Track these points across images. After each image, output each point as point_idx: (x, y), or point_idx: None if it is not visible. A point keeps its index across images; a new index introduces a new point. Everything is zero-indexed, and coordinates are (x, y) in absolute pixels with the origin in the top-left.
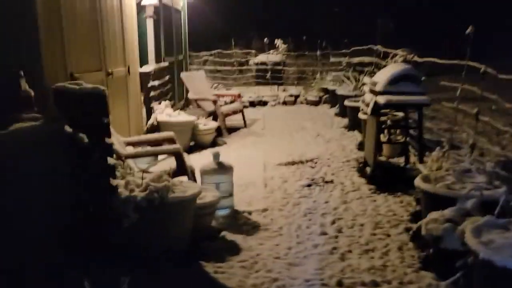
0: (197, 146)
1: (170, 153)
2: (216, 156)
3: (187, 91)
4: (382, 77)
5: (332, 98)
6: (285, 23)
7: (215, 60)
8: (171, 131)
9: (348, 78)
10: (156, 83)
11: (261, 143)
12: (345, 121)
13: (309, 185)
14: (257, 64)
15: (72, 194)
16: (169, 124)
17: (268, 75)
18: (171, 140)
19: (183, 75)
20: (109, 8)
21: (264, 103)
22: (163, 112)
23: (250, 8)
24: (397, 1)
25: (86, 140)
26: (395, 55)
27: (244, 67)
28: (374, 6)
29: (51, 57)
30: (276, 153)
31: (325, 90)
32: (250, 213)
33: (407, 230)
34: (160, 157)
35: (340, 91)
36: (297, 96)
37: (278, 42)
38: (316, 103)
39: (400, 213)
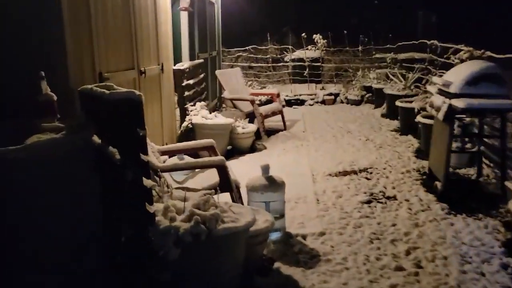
0: (234, 151)
1: (212, 166)
2: (265, 169)
3: (221, 90)
4: (457, 76)
5: (377, 98)
6: (320, 18)
7: (249, 57)
8: (207, 135)
9: (395, 76)
10: (191, 81)
11: (304, 148)
12: (395, 123)
13: (368, 202)
14: (293, 60)
15: (100, 222)
16: (205, 127)
17: (306, 72)
18: (211, 149)
19: (218, 72)
20: (144, 9)
21: (301, 102)
22: (198, 113)
23: (284, 2)
24: None
25: (117, 156)
26: (458, 50)
27: (280, 64)
28: None
29: (77, 55)
30: (323, 161)
31: (368, 89)
32: (304, 237)
33: (504, 267)
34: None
35: (388, 90)
36: (336, 95)
37: (316, 37)
38: (357, 103)
39: (489, 242)
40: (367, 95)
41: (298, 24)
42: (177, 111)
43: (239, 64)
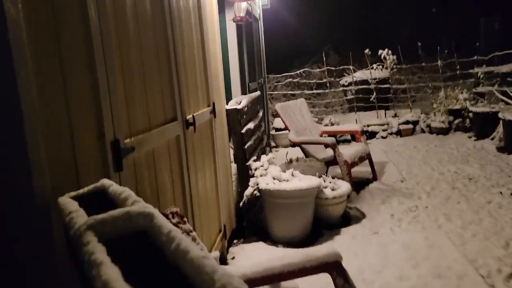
0: (319, 223)
1: None
2: None
3: (269, 125)
4: None
5: (478, 124)
6: (363, 32)
7: (290, 82)
8: (283, 206)
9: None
10: (251, 125)
11: (423, 212)
12: None
13: None
14: (356, 83)
15: None
16: (280, 194)
17: (373, 97)
18: (336, 267)
19: (279, 106)
20: (185, 18)
21: (370, 135)
22: (267, 173)
23: (318, 20)
24: None
25: None
26: None
27: (340, 89)
28: (474, 4)
29: (57, 118)
30: (475, 240)
31: (455, 113)
32: None
33: None
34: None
35: (508, 115)
36: (415, 123)
37: (383, 53)
38: (445, 131)
39: None
40: (456, 121)
41: (339, 42)
42: (235, 170)
43: (278, 92)
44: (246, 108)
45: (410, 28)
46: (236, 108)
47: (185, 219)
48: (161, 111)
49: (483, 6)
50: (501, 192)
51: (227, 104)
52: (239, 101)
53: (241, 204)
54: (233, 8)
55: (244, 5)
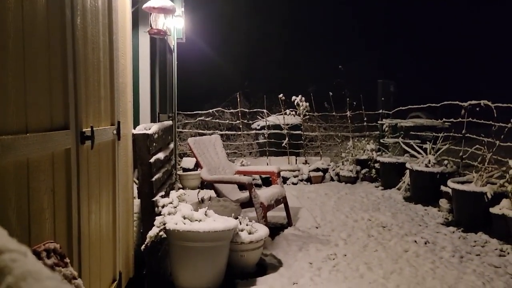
0: (232, 271)
1: None
2: None
3: (176, 162)
4: None
5: (386, 175)
6: (275, 83)
7: (200, 123)
8: (194, 250)
9: (414, 148)
10: (160, 155)
11: (343, 261)
12: (434, 212)
13: None
14: (269, 127)
15: None
16: (191, 237)
17: (285, 142)
18: None
19: (192, 141)
20: (92, 17)
21: (282, 180)
22: (176, 211)
23: (236, 65)
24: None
25: None
26: None
27: (253, 132)
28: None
29: None
30: None
31: (362, 163)
32: None
33: None
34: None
35: (415, 165)
36: (325, 171)
37: (297, 99)
38: (352, 180)
39: None
40: (363, 171)
41: (250, 90)
42: (137, 207)
43: (186, 131)
44: (156, 135)
45: (317, 82)
46: (146, 133)
47: (66, 260)
48: (46, 113)
49: (380, 70)
50: (415, 241)
51: (134, 129)
52: (149, 127)
53: (142, 247)
54: (148, 22)
55: (162, 18)
